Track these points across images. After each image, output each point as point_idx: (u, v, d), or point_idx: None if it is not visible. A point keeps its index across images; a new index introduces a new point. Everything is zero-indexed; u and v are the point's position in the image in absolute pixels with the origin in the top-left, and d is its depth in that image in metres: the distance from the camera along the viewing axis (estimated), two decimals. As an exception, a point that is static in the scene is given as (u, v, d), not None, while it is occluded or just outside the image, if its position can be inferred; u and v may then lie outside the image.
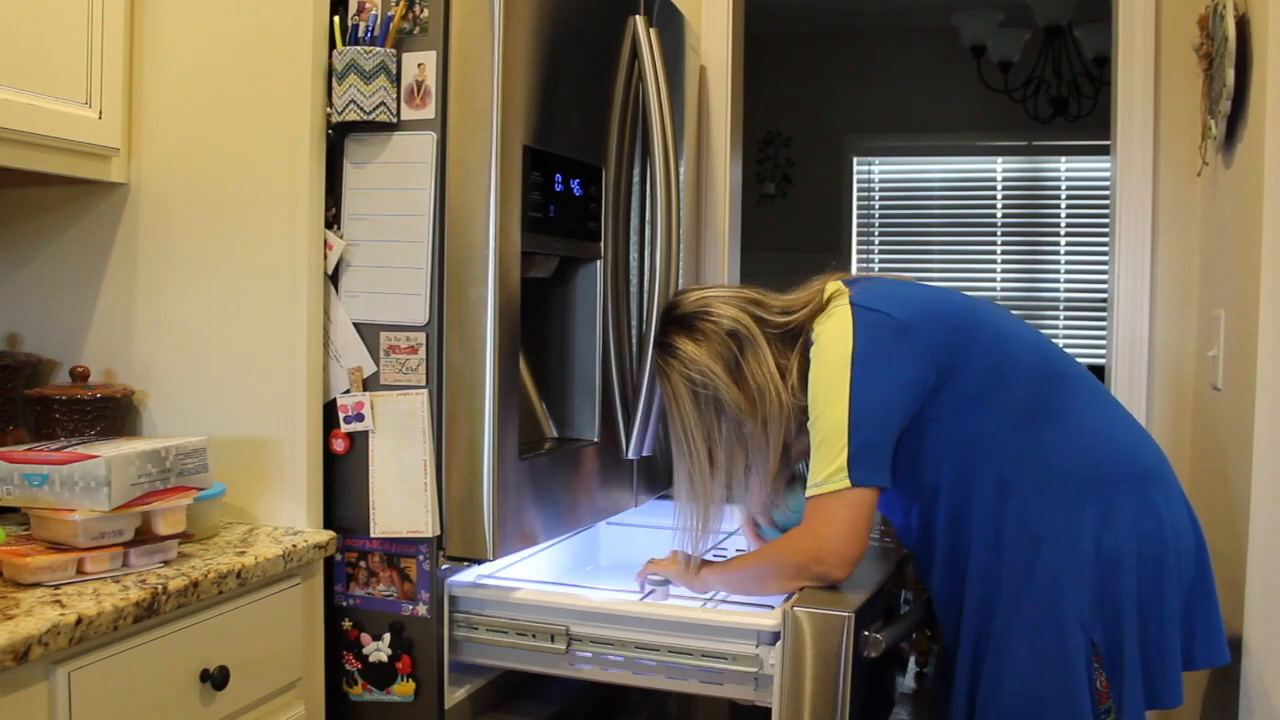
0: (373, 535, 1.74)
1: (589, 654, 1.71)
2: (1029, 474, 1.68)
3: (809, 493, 1.63)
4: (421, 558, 1.73)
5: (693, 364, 1.77)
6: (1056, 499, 1.67)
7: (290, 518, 1.73)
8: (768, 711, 1.63)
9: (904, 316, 1.65)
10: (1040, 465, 1.68)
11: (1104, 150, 2.64)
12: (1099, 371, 4.02)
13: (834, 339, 1.66)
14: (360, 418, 1.74)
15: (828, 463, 1.61)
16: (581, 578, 2.15)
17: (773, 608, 1.70)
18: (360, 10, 1.72)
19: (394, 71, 1.69)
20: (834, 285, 1.77)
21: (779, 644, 1.58)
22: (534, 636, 1.74)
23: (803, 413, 1.71)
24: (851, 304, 1.67)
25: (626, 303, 2.08)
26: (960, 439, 1.69)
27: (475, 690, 1.85)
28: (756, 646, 1.63)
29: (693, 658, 1.66)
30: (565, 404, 2.04)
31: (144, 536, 1.46)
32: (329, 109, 1.72)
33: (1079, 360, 1.84)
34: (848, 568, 1.62)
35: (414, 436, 1.71)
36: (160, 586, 1.37)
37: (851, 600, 1.61)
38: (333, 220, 1.75)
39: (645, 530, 2.31)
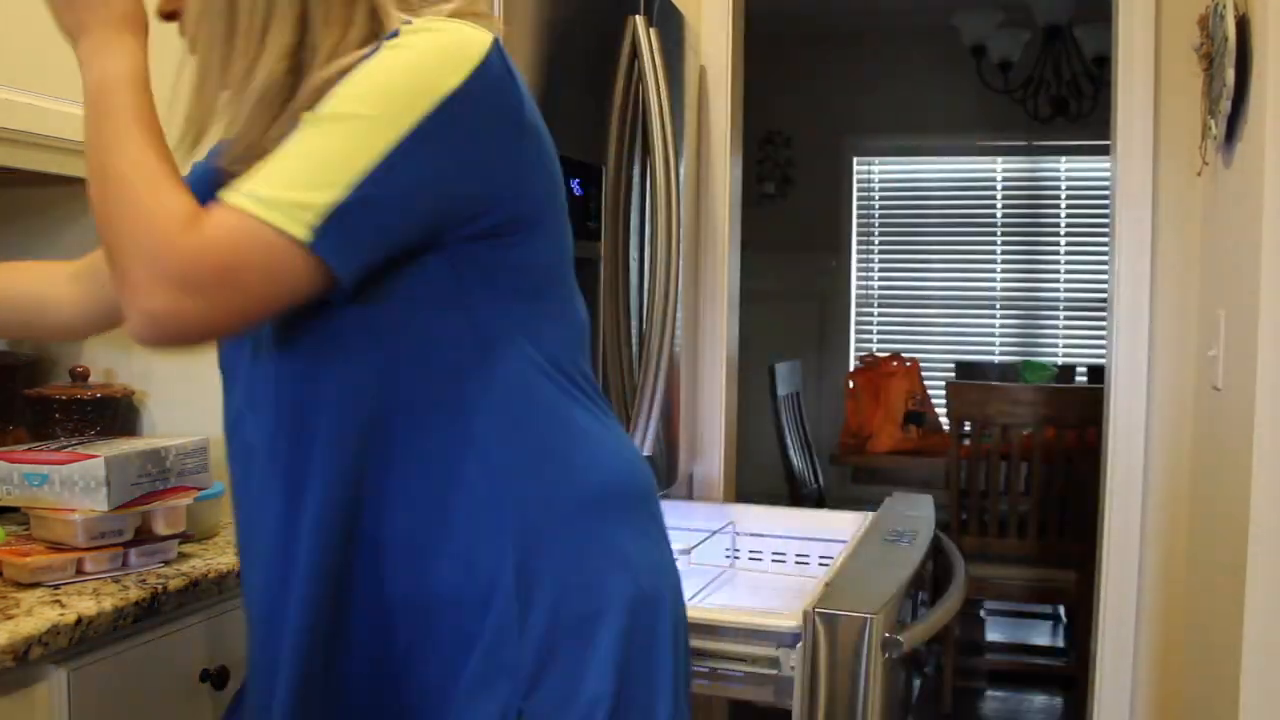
0: (373, 535, 1.74)
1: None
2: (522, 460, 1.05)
3: (232, 198, 0.93)
4: (421, 558, 1.73)
5: None
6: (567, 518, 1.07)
7: (290, 518, 1.73)
8: (783, 714, 1.62)
9: (531, 116, 1.05)
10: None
11: (1104, 150, 2.64)
12: (1098, 372, 4.02)
13: (444, 51, 0.98)
14: (360, 418, 1.73)
15: (295, 186, 0.92)
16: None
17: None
18: (360, 10, 1.70)
19: (394, 71, 1.68)
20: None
21: (799, 646, 1.58)
22: (534, 636, 1.74)
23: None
24: (496, 43, 1.01)
25: (626, 303, 2.08)
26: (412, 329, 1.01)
27: (475, 690, 1.85)
28: (776, 649, 1.62)
29: (711, 660, 1.65)
30: (565, 404, 2.04)
31: (144, 536, 1.46)
32: (329, 109, 1.71)
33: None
34: (180, 337, 0.93)
35: (414, 436, 1.71)
36: (160, 586, 1.37)
37: (873, 601, 1.60)
38: (333, 220, 1.74)
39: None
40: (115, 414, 1.76)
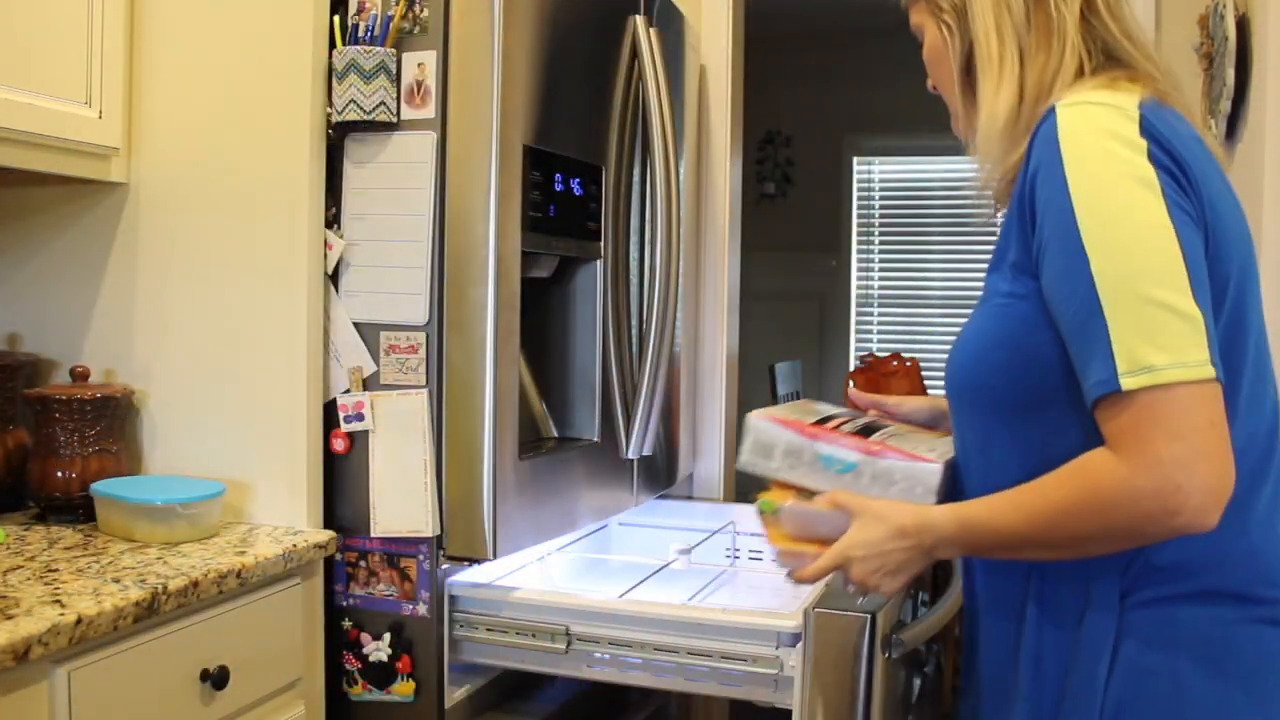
0: (373, 535, 1.74)
1: (606, 655, 1.71)
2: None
3: (1132, 382, 1.00)
4: (421, 557, 1.73)
5: None
6: None
7: (290, 517, 1.73)
8: (783, 713, 1.62)
9: (1205, 180, 1.09)
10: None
11: (1104, 150, 2.64)
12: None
13: (1111, 135, 1.06)
14: (360, 417, 1.73)
15: (1162, 337, 0.99)
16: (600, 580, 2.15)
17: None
18: (360, 10, 1.72)
19: (394, 71, 1.69)
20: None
21: (799, 645, 1.58)
22: (534, 636, 1.74)
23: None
24: (1142, 111, 1.08)
25: (626, 303, 2.08)
26: None
27: (475, 690, 1.85)
28: (776, 648, 1.62)
29: (711, 659, 1.65)
30: (565, 404, 2.04)
31: None
32: (329, 109, 1.72)
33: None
34: (1222, 505, 1.00)
35: (414, 436, 1.71)
36: (160, 586, 1.37)
37: (872, 601, 1.60)
38: (333, 220, 1.75)
39: (659, 531, 2.31)
40: (115, 414, 1.76)
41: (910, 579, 1.20)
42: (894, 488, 1.22)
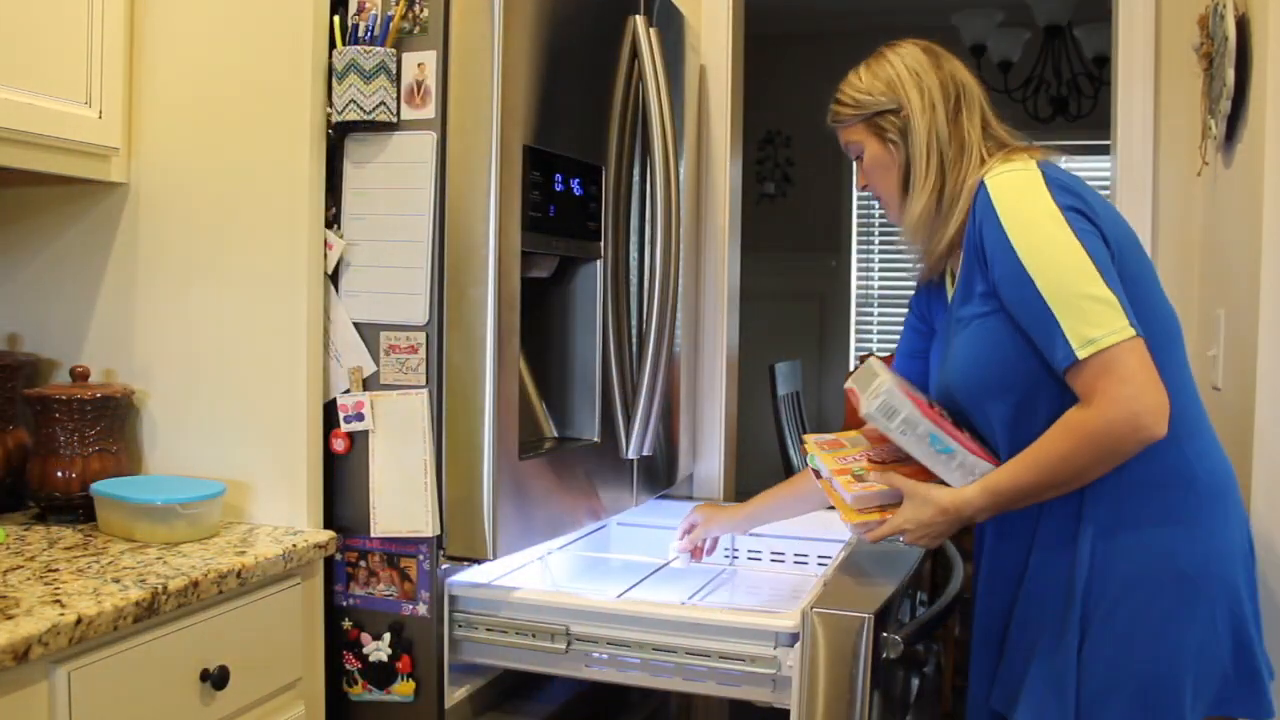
0: (373, 535, 1.74)
1: (605, 655, 1.71)
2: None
3: (1084, 353, 1.41)
4: (421, 557, 1.73)
5: (926, 73, 1.75)
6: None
7: (290, 518, 1.73)
8: (781, 713, 1.62)
9: (1090, 198, 1.53)
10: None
11: (1104, 150, 2.64)
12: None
13: (1026, 190, 1.52)
14: (360, 417, 1.74)
15: (1094, 318, 1.42)
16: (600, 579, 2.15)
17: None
18: (360, 10, 1.72)
19: (394, 71, 1.69)
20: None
21: (797, 645, 1.58)
22: (534, 636, 1.74)
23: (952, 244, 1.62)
24: (1039, 166, 1.55)
25: (626, 302, 2.08)
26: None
27: (475, 690, 1.85)
28: (774, 648, 1.62)
29: (710, 659, 1.65)
30: (565, 404, 2.04)
31: None
32: (329, 109, 1.72)
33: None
34: (1166, 418, 1.42)
35: (414, 436, 1.71)
36: (160, 586, 1.37)
37: (871, 601, 1.61)
38: (333, 220, 1.75)
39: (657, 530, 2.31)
40: (115, 414, 1.76)
41: (949, 536, 1.63)
42: (971, 476, 1.57)
